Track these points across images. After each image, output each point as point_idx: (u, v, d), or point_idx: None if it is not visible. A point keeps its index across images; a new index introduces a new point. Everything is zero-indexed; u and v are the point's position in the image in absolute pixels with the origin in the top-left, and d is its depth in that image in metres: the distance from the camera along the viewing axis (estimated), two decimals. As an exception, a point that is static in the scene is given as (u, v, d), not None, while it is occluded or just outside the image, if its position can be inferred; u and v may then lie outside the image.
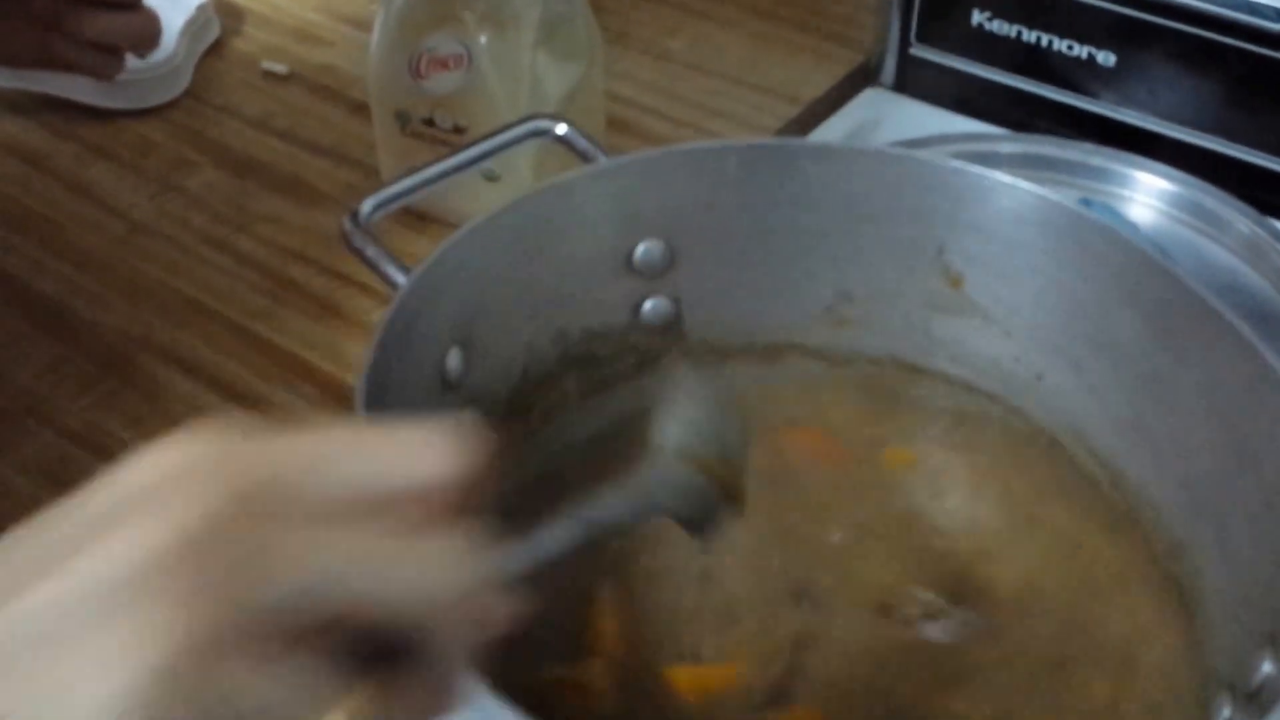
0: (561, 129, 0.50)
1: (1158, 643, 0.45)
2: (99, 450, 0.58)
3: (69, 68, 0.70)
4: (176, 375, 0.61)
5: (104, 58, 0.69)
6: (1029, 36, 0.74)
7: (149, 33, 0.69)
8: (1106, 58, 0.73)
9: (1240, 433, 0.43)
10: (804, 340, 0.53)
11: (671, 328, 0.52)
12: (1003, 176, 0.46)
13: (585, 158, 0.49)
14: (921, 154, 0.49)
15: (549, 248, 0.48)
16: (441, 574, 0.27)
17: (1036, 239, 0.47)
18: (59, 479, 0.56)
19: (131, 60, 0.72)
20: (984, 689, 0.44)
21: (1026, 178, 0.48)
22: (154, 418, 0.59)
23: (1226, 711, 0.40)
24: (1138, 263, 0.45)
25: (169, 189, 0.71)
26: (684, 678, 0.44)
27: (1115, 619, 0.46)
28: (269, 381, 0.61)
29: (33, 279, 0.66)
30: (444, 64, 0.62)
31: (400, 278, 0.45)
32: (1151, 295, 0.45)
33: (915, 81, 0.79)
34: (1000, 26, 0.75)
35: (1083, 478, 0.49)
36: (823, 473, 0.50)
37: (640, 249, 0.50)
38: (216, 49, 0.81)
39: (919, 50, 0.78)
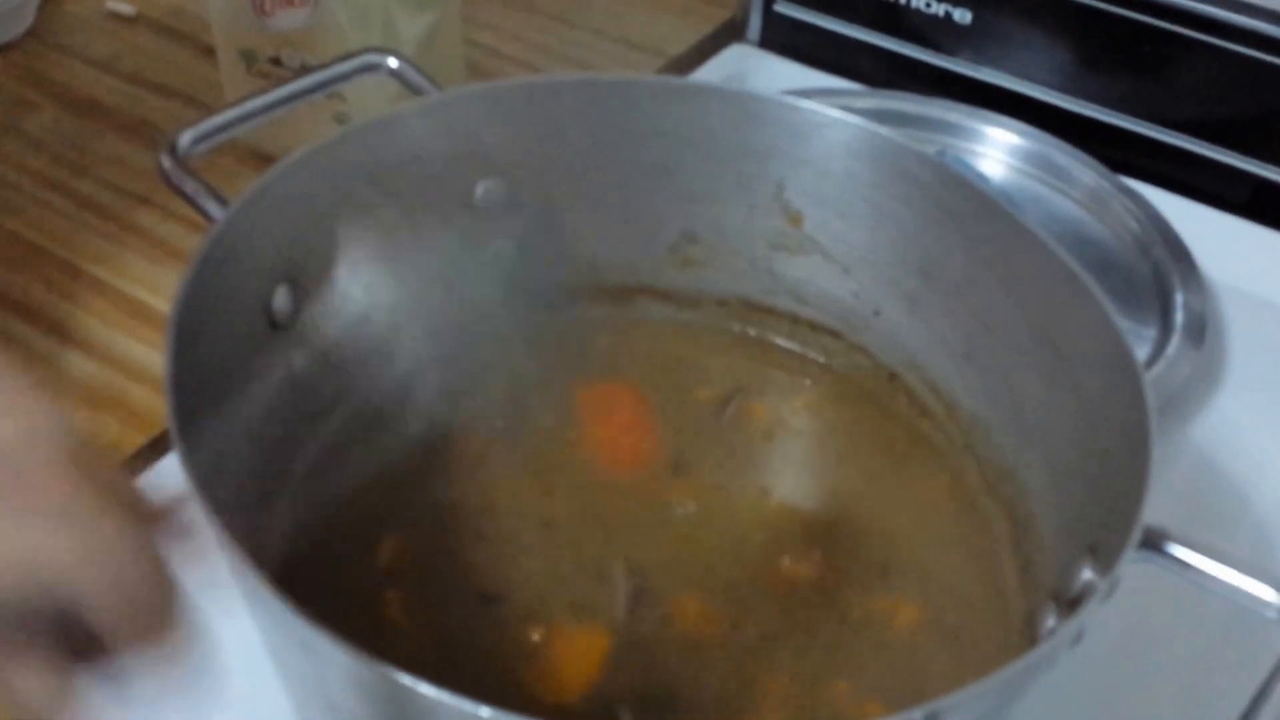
0: (394, 63, 0.49)
1: (990, 564, 0.47)
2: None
3: None
4: (14, 320, 0.59)
5: None
6: (888, -7, 0.75)
7: None
8: (963, 15, 0.74)
9: (1063, 357, 0.44)
10: (652, 282, 0.53)
11: (515, 269, 0.51)
12: (834, 111, 0.47)
13: (421, 93, 0.49)
14: (756, 90, 0.49)
15: (382, 184, 0.47)
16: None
17: (868, 173, 0.47)
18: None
19: (-32, -3, 0.69)
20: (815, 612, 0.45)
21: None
22: (-12, 363, 0.57)
23: (1051, 621, 0.41)
24: (963, 194, 0.45)
25: (7, 130, 0.69)
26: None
27: (949, 545, 0.47)
28: (110, 326, 0.60)
29: None
30: (289, 1, 0.60)
31: (221, 214, 0.43)
32: (977, 226, 0.45)
33: (779, 38, 0.79)
34: (861, -18, 0.76)
35: (920, 410, 0.50)
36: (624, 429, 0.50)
37: (480, 188, 0.49)
38: (61, -11, 0.78)
39: (783, 7, 0.79)
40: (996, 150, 0.71)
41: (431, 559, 0.45)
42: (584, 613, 0.43)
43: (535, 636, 0.43)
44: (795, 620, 0.44)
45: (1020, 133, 0.71)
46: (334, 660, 0.31)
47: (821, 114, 0.48)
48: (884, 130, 0.47)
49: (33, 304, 0.60)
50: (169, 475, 0.51)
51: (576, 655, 0.43)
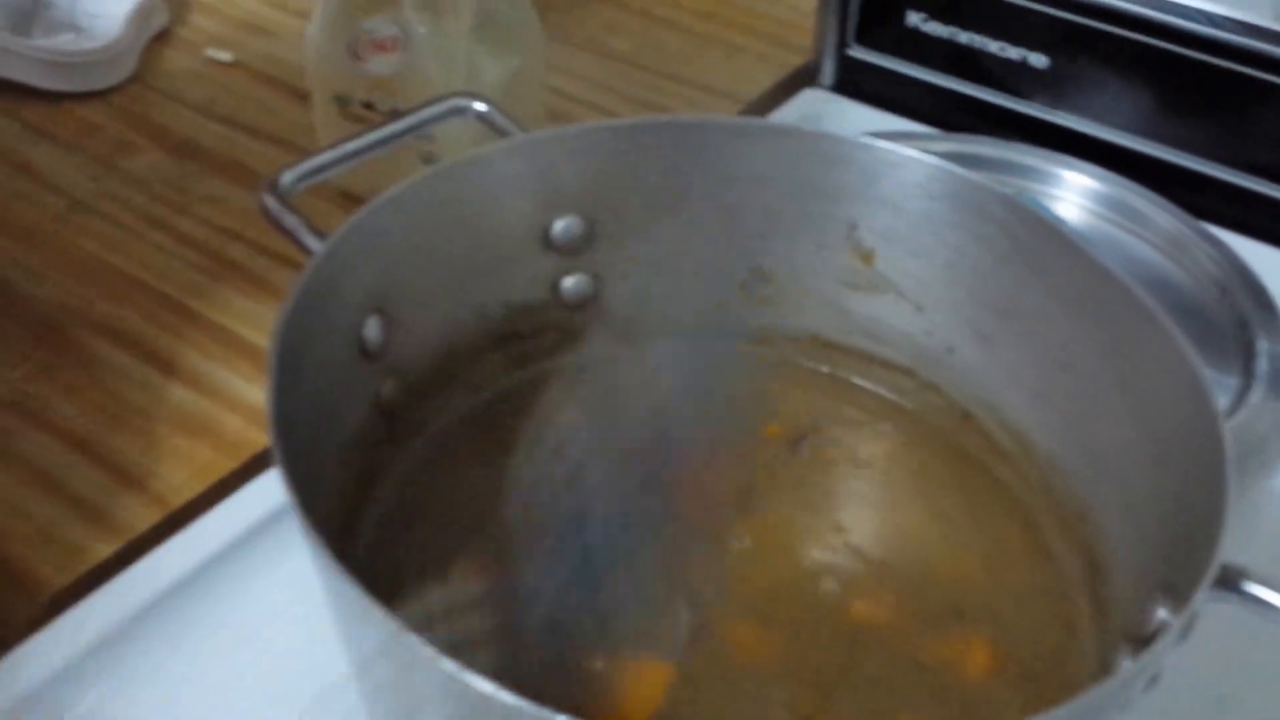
0: (481, 107, 0.51)
1: (1063, 607, 0.46)
2: (36, 419, 0.58)
3: None
4: (114, 349, 0.62)
5: None
6: (963, 38, 0.76)
7: None
8: (1039, 60, 0.74)
9: (1140, 398, 0.44)
10: (724, 318, 0.54)
11: (592, 305, 0.53)
12: (909, 151, 0.48)
13: (506, 135, 0.50)
14: (831, 131, 0.50)
15: (467, 221, 0.48)
16: None
17: (944, 212, 0.48)
18: (-7, 446, 0.57)
19: (77, 44, 0.73)
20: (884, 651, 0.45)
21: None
22: (91, 389, 0.60)
23: (1126, 662, 0.41)
24: (1041, 233, 0.46)
25: (110, 170, 0.72)
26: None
27: (1022, 587, 0.47)
28: (206, 356, 0.62)
29: (-32, 254, 0.66)
30: (382, 46, 0.63)
31: (319, 247, 0.45)
32: (1055, 266, 0.46)
33: (853, 82, 0.80)
34: (935, 28, 0.77)
35: (994, 450, 0.50)
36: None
37: (559, 225, 0.50)
38: (163, 37, 0.82)
39: (856, 51, 0.80)
40: (1073, 194, 0.71)
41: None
42: (645, 644, 0.44)
43: (598, 666, 0.43)
44: (860, 660, 0.44)
45: (1098, 177, 0.71)
46: (428, 672, 0.32)
47: (896, 153, 0.48)
48: (960, 170, 0.47)
49: (134, 335, 0.62)
50: (257, 498, 0.55)
51: (639, 686, 0.43)
